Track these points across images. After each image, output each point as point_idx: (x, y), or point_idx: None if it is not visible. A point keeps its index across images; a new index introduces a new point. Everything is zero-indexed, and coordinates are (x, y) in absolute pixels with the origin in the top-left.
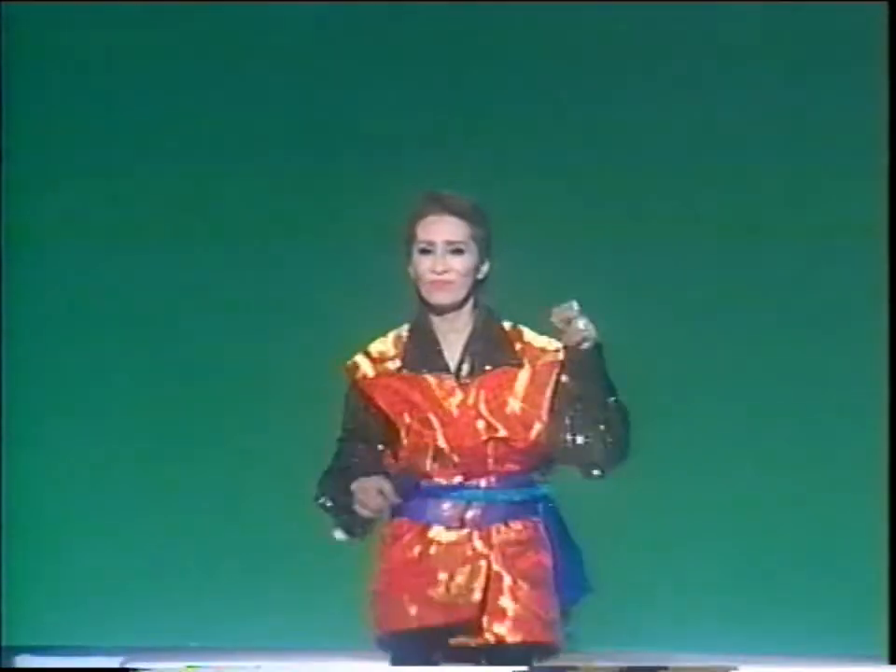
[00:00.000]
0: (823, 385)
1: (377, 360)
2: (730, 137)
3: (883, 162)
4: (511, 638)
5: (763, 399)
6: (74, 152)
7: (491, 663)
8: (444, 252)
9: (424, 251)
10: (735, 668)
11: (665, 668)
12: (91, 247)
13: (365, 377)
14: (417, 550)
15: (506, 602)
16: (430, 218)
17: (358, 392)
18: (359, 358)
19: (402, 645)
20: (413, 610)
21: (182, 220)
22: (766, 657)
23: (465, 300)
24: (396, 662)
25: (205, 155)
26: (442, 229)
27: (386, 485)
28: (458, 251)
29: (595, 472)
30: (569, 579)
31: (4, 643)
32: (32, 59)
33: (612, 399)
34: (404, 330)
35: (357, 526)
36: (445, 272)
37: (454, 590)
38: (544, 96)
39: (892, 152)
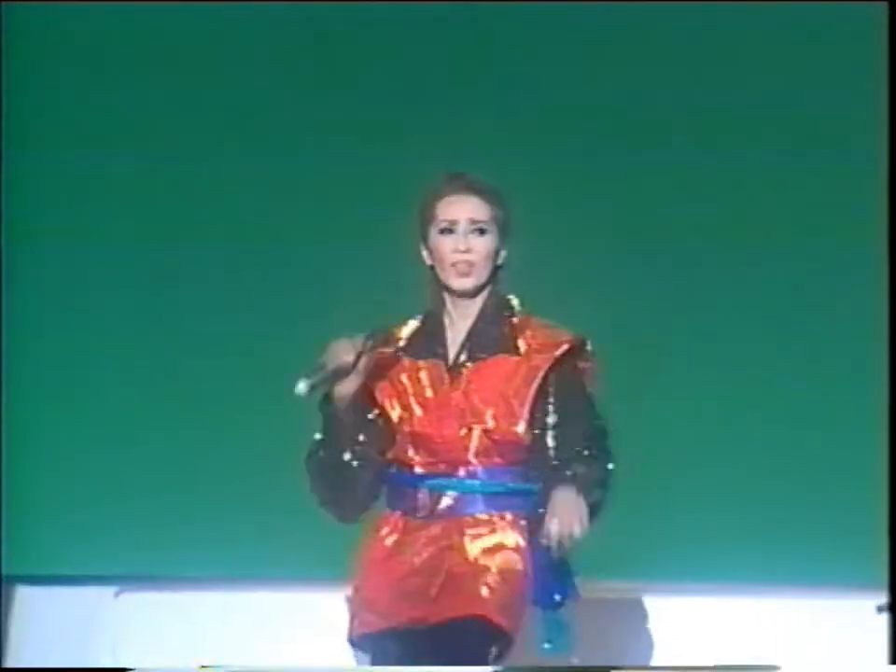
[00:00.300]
0: (825, 324)
1: (386, 342)
2: (728, 137)
3: (883, 162)
4: (470, 612)
5: (764, 345)
6: (74, 152)
7: (444, 641)
8: (467, 231)
9: (445, 230)
10: (712, 668)
11: (655, 668)
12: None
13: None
14: (392, 541)
15: (474, 583)
16: (452, 197)
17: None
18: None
19: (374, 645)
20: (381, 610)
21: (183, 214)
22: (765, 586)
23: (485, 285)
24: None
25: (206, 151)
26: (466, 207)
27: (359, 343)
28: (481, 231)
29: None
30: (550, 581)
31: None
32: (32, 58)
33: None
34: (419, 318)
35: (316, 379)
36: (468, 251)
37: (418, 585)
38: (544, 97)
39: (892, 152)
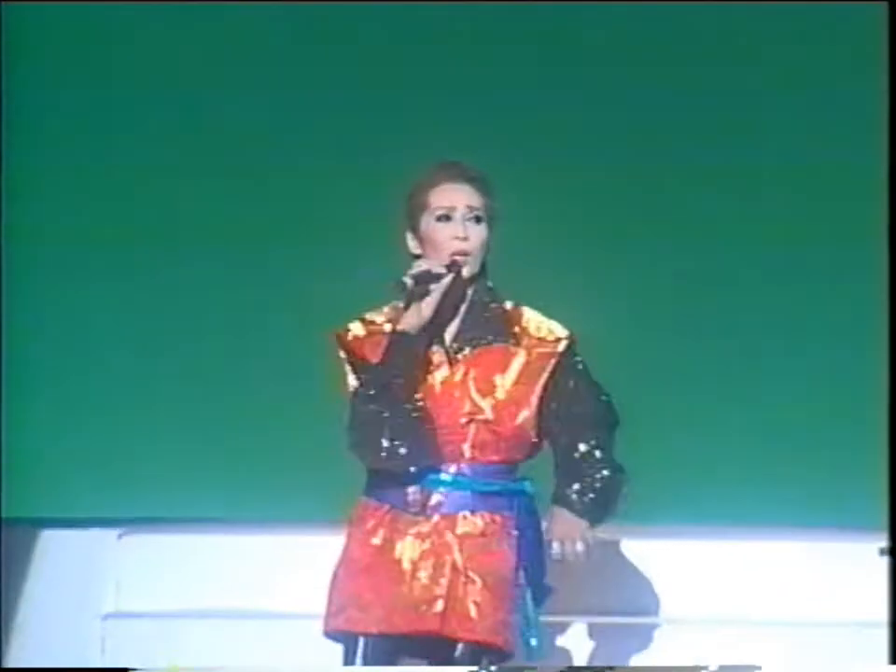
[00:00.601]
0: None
1: (368, 324)
2: (728, 136)
3: (883, 162)
4: (462, 636)
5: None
6: (75, 151)
7: (438, 659)
8: (464, 218)
9: (442, 217)
10: (705, 668)
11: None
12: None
13: (356, 338)
14: (380, 537)
15: (462, 599)
16: (447, 185)
17: (350, 352)
18: (352, 324)
19: (359, 644)
20: (375, 613)
21: (182, 212)
22: (766, 528)
23: (478, 274)
24: (347, 659)
25: (205, 149)
26: (462, 195)
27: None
28: (478, 218)
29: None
30: (533, 581)
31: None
32: (32, 58)
33: (603, 398)
34: (401, 302)
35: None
36: (467, 238)
37: (417, 591)
38: (543, 97)
39: (892, 152)
